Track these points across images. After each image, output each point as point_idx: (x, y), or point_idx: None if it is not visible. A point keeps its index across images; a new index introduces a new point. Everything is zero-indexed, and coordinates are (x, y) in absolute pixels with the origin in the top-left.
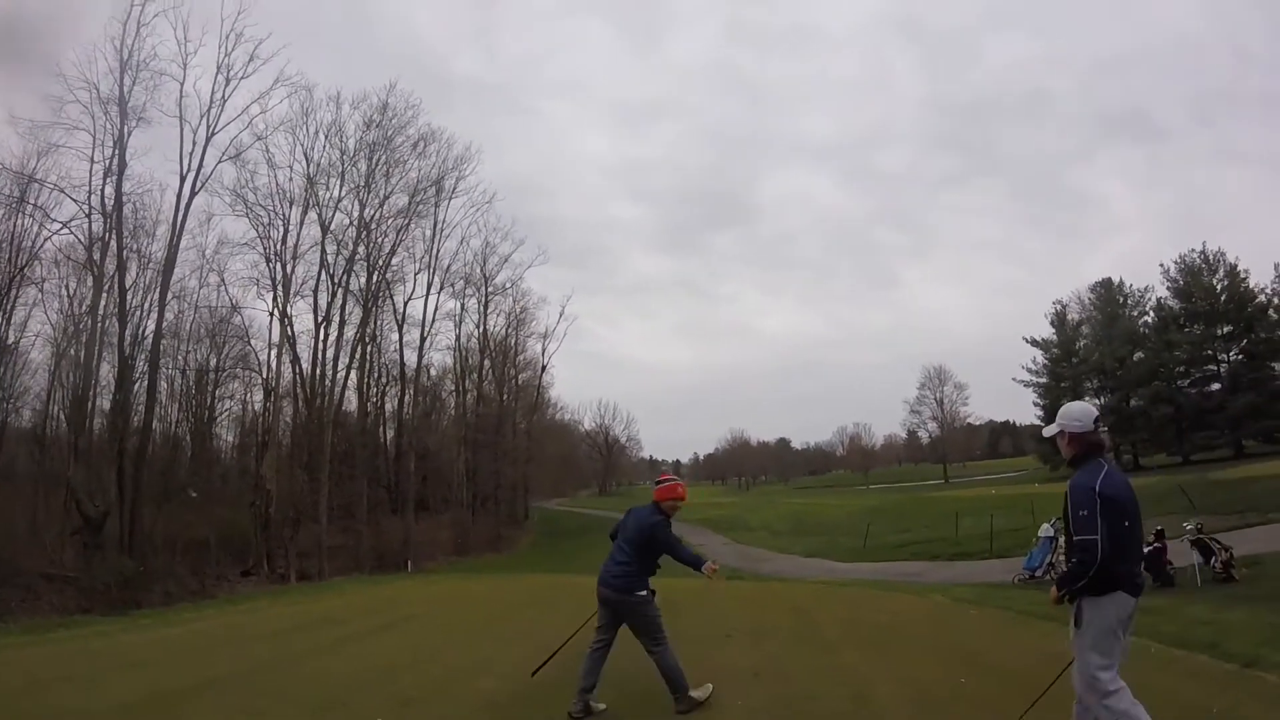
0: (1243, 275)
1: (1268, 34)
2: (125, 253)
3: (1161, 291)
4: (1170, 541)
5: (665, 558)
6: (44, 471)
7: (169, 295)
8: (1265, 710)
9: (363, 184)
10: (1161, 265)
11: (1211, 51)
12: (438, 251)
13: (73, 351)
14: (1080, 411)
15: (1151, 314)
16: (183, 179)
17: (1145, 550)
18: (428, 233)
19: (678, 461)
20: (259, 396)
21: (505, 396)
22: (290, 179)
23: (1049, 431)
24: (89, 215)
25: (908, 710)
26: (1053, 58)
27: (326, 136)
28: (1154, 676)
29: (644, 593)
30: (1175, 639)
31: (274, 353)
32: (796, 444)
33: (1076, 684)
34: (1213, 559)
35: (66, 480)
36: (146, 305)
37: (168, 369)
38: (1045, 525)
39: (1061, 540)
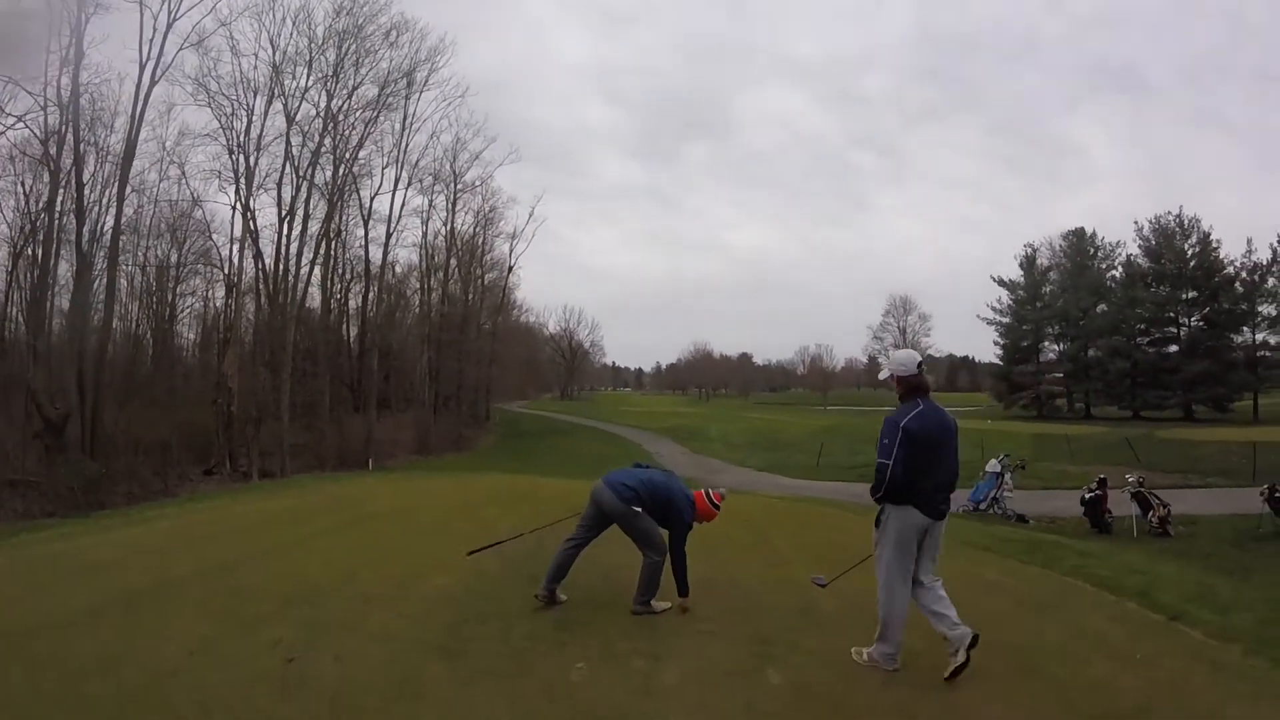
0: (1214, 244)
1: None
2: (82, 146)
3: (1132, 248)
4: (1112, 491)
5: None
6: (2, 375)
7: (128, 189)
8: (1188, 662)
9: (331, 74)
10: (1136, 223)
11: (1207, 17)
12: (406, 146)
13: (30, 250)
14: (906, 357)
15: (1120, 269)
16: (142, 67)
17: (1085, 496)
18: (397, 126)
19: (640, 370)
20: (221, 293)
21: (471, 296)
22: (255, 67)
23: (882, 375)
24: (44, 108)
25: (850, 626)
26: (1048, 2)
27: (294, 23)
28: (1085, 616)
29: (639, 509)
30: (1107, 583)
31: (236, 248)
32: (758, 360)
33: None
34: (1150, 513)
35: (26, 383)
36: (105, 200)
37: (127, 266)
38: (993, 460)
39: (1008, 476)
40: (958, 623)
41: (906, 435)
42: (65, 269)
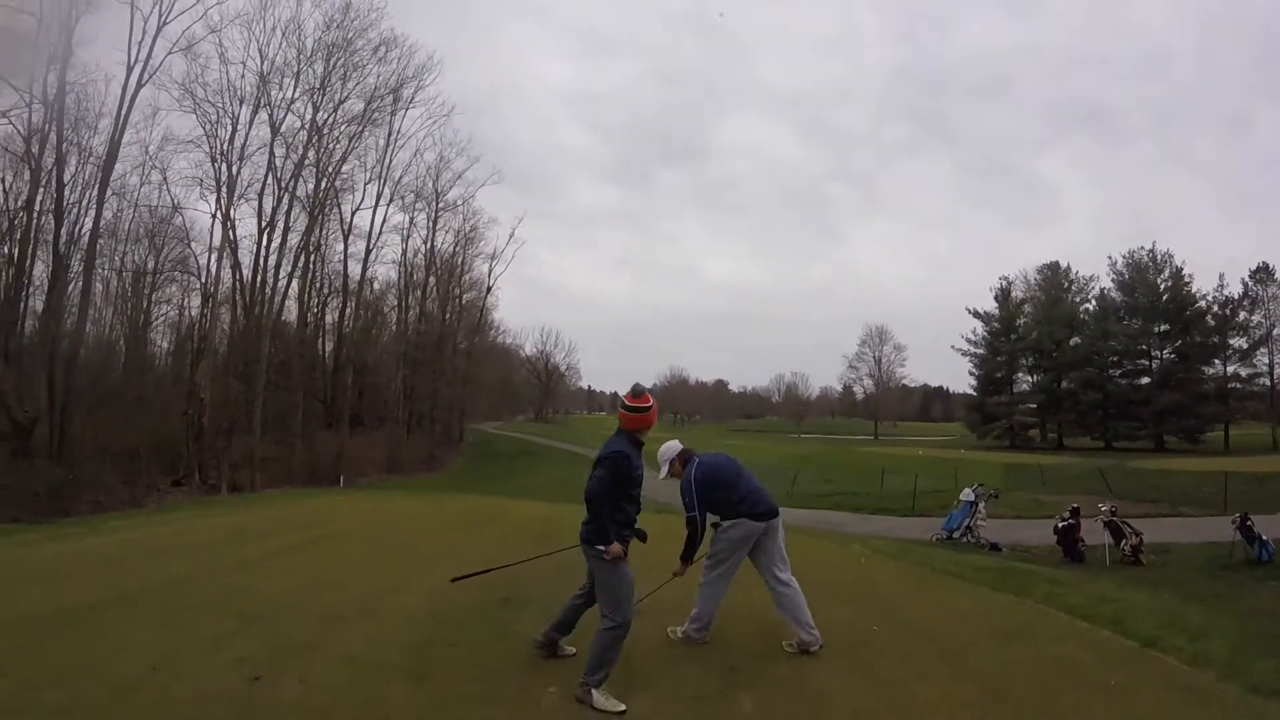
0: (1187, 279)
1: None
2: (65, 146)
3: (1106, 282)
4: (1085, 520)
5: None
6: None
7: (108, 192)
8: (1161, 689)
9: (318, 86)
10: (1109, 258)
11: (1179, 62)
12: (390, 162)
13: (5, 249)
14: (668, 449)
15: (1093, 302)
16: (129, 69)
17: (1059, 524)
18: (381, 142)
19: (616, 394)
20: (197, 302)
21: (448, 315)
22: (243, 76)
23: (662, 475)
24: (29, 105)
25: (823, 654)
26: (1023, 44)
27: (284, 34)
28: (1057, 645)
29: (602, 547)
30: (1080, 611)
31: (214, 257)
32: (734, 387)
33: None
34: (1123, 541)
35: None
36: (85, 202)
37: (104, 270)
38: (967, 489)
39: (981, 505)
40: (814, 626)
41: (700, 483)
42: (41, 270)
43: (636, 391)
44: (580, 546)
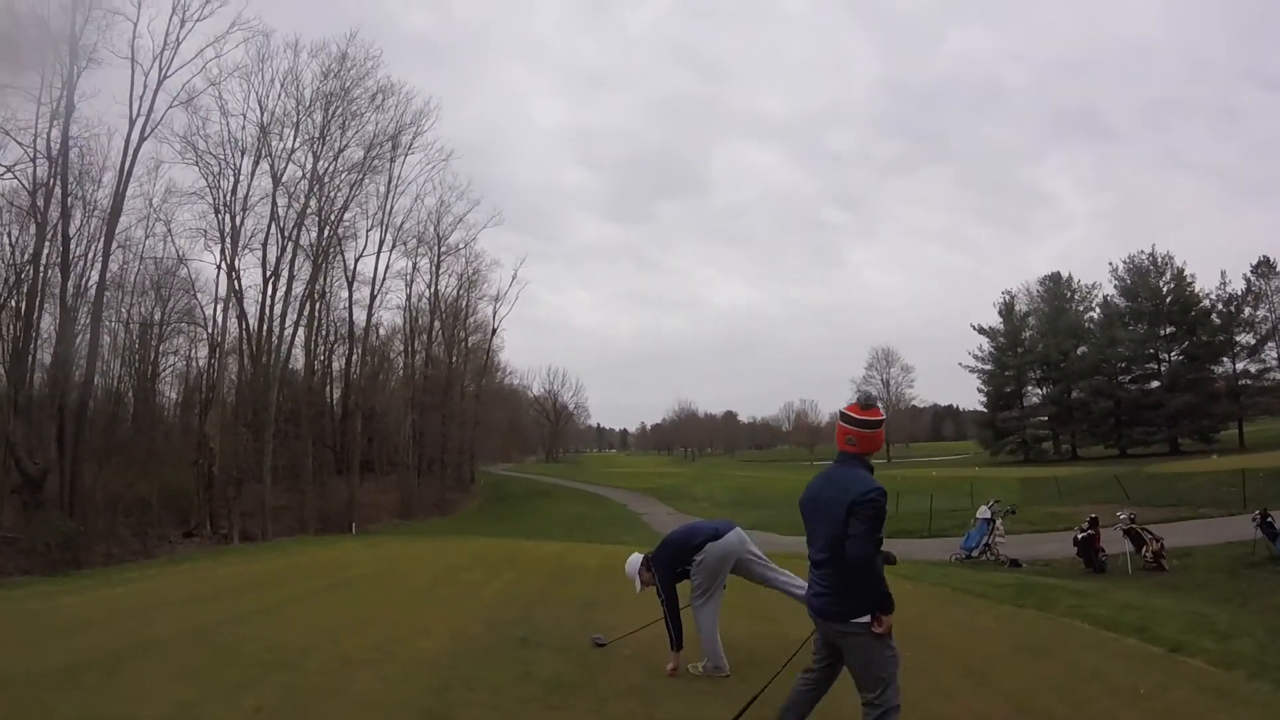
0: (1189, 280)
1: (1224, 44)
2: (70, 199)
3: (1109, 289)
4: (1104, 529)
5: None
6: None
7: (114, 245)
8: (1192, 692)
9: (317, 136)
10: (1110, 264)
11: (1167, 58)
12: (391, 208)
13: (13, 303)
14: (631, 564)
15: (1098, 310)
16: (131, 123)
17: (1078, 536)
18: (381, 189)
19: (625, 431)
20: (204, 352)
21: (454, 359)
22: (243, 127)
23: (638, 589)
24: (34, 159)
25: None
26: (1010, 53)
27: (282, 85)
28: (1083, 655)
29: (864, 619)
30: (1105, 621)
31: (220, 307)
32: (743, 418)
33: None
34: (1144, 548)
35: (6, 437)
36: (90, 255)
37: (111, 322)
38: (983, 507)
39: (999, 522)
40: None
41: (664, 571)
42: (49, 322)
43: (868, 402)
44: (816, 622)
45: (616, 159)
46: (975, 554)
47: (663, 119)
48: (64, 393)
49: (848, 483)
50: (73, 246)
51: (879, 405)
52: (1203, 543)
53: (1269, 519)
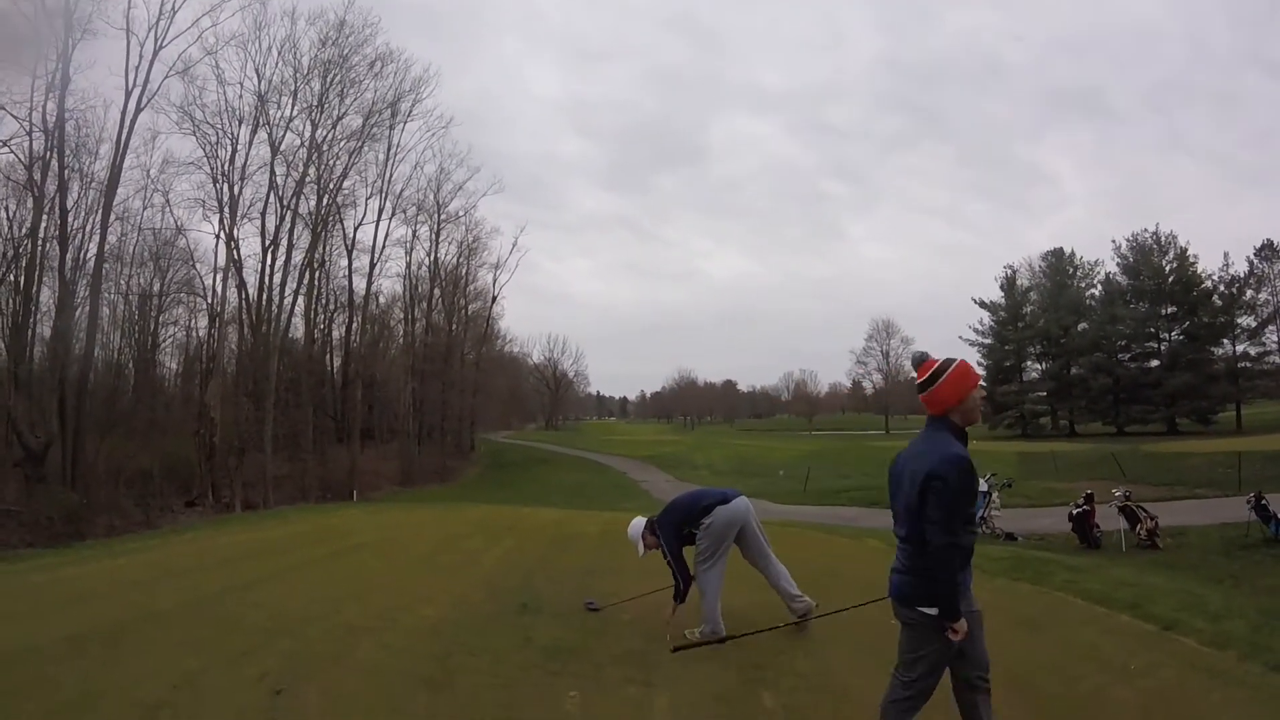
0: (1192, 260)
1: (1227, 30)
2: (67, 172)
3: (1111, 266)
4: (1099, 506)
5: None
6: None
7: (111, 217)
8: (1183, 670)
9: (316, 104)
10: (1113, 241)
11: (1169, 42)
12: (390, 176)
13: (12, 277)
14: (634, 528)
15: (1099, 287)
16: (128, 94)
17: (1073, 511)
18: (381, 157)
19: (625, 399)
20: (204, 323)
21: (455, 327)
22: (240, 96)
23: (641, 553)
24: (30, 133)
25: (843, 648)
26: (1011, 30)
27: (280, 53)
28: (1077, 631)
29: (932, 610)
30: (1098, 597)
31: (219, 277)
32: (743, 387)
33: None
34: (1139, 526)
35: (7, 411)
36: (88, 227)
37: (110, 294)
38: (980, 480)
39: (995, 495)
40: (799, 595)
41: (670, 532)
42: (48, 296)
43: (917, 360)
44: (891, 603)
45: (614, 129)
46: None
47: (660, 90)
48: (64, 366)
49: (925, 451)
50: (70, 219)
51: (930, 358)
52: (1197, 523)
53: (1264, 501)
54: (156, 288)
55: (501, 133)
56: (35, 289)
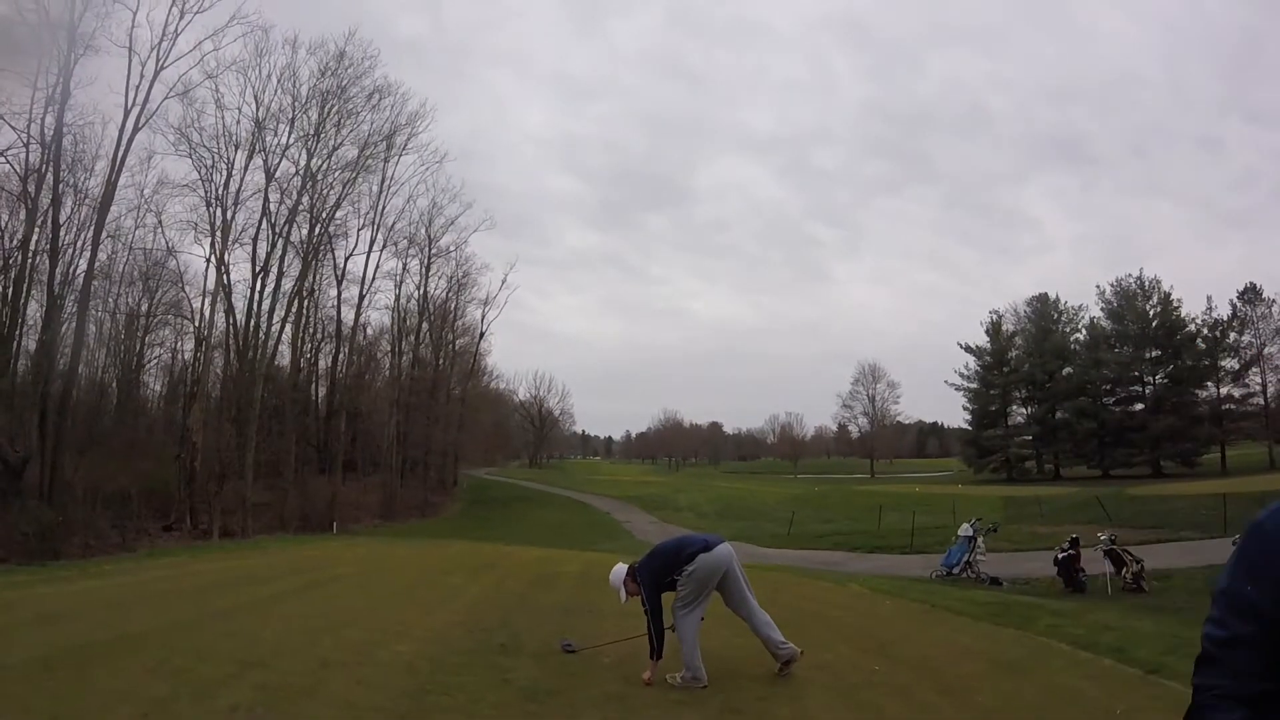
0: (1175, 304)
1: (1208, 76)
2: (61, 186)
3: (1095, 311)
4: (1084, 550)
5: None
6: None
7: (103, 234)
8: (1168, 715)
9: (312, 133)
10: (1098, 286)
11: (1150, 89)
12: (383, 208)
13: (0, 288)
14: (615, 575)
15: (1084, 332)
16: (126, 113)
17: (1059, 555)
18: (374, 188)
19: (610, 438)
20: (190, 345)
21: (442, 361)
22: (238, 122)
23: (624, 600)
24: (26, 145)
25: (823, 693)
26: (995, 76)
27: (279, 81)
28: (1060, 676)
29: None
30: (1083, 642)
31: (208, 301)
32: (728, 428)
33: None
34: (1124, 569)
35: None
36: (80, 243)
37: (97, 311)
38: (965, 525)
39: (980, 539)
40: (784, 641)
41: (649, 581)
42: (35, 309)
43: None
44: None
45: (602, 169)
46: (956, 571)
47: (649, 130)
48: (47, 381)
49: None
50: (62, 234)
51: None
52: (1183, 565)
53: None
54: (144, 308)
55: (490, 169)
56: (23, 301)
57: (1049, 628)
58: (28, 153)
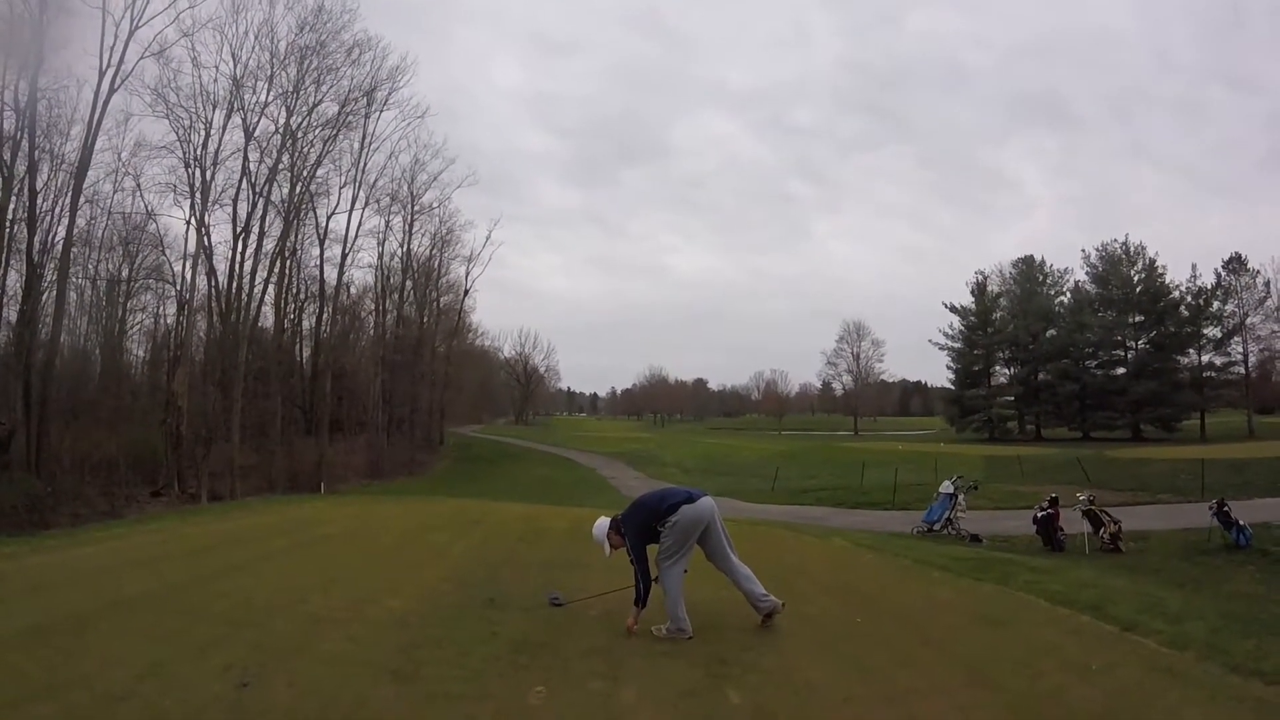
0: (1160, 270)
1: (1191, 40)
2: (37, 153)
3: (1080, 275)
4: (1063, 509)
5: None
6: None
7: (81, 199)
8: (1142, 671)
9: (291, 90)
10: (1083, 251)
11: (1133, 50)
12: (364, 165)
13: None
14: (599, 528)
15: (1068, 295)
16: (101, 74)
17: (1038, 514)
18: (355, 145)
19: (595, 395)
20: (172, 309)
21: (426, 319)
22: (215, 80)
23: (608, 554)
24: (0, 111)
25: (807, 644)
26: (974, 35)
27: (256, 37)
28: (1038, 630)
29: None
30: (1060, 598)
31: (189, 264)
32: (713, 385)
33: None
34: (1102, 529)
35: None
36: (58, 210)
37: (77, 279)
38: (946, 482)
39: (961, 497)
40: (765, 594)
41: (634, 531)
42: (14, 279)
43: None
44: None
45: (579, 124)
46: (936, 527)
47: (625, 86)
48: (30, 351)
49: None
50: (39, 201)
51: None
52: (1160, 527)
53: (1226, 508)
54: (125, 273)
55: (467, 126)
56: (2, 272)
57: (1027, 583)
58: (1, 119)
